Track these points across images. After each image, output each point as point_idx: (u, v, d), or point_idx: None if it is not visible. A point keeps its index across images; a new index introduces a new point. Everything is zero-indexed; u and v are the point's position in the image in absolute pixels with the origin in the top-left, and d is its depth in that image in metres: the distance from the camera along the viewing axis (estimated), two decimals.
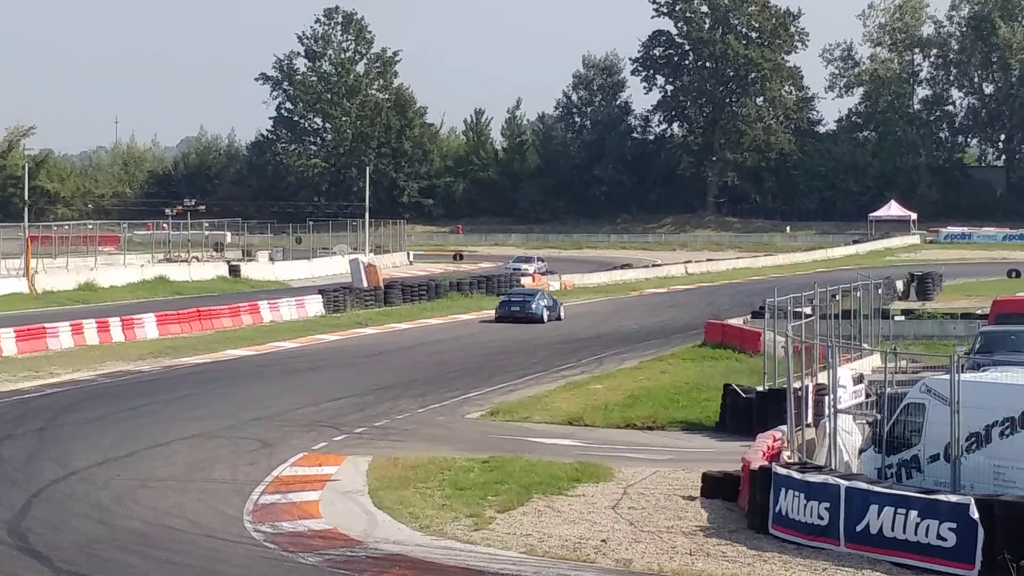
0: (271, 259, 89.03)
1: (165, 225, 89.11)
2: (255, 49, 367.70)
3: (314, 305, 58.81)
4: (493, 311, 57.86)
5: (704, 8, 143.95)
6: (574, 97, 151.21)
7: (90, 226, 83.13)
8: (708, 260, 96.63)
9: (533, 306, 56.47)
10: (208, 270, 79.07)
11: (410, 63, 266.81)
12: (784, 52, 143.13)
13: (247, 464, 25.47)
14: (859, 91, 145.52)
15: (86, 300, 62.34)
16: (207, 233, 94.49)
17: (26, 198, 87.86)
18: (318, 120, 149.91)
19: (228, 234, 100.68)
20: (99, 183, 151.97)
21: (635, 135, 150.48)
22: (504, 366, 41.53)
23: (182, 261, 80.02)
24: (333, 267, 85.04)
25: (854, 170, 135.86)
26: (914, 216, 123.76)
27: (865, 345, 36.60)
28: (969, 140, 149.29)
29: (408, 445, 27.54)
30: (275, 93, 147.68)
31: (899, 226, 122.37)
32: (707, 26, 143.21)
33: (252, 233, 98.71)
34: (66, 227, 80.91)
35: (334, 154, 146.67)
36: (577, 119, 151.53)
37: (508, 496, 22.39)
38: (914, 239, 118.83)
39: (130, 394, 34.76)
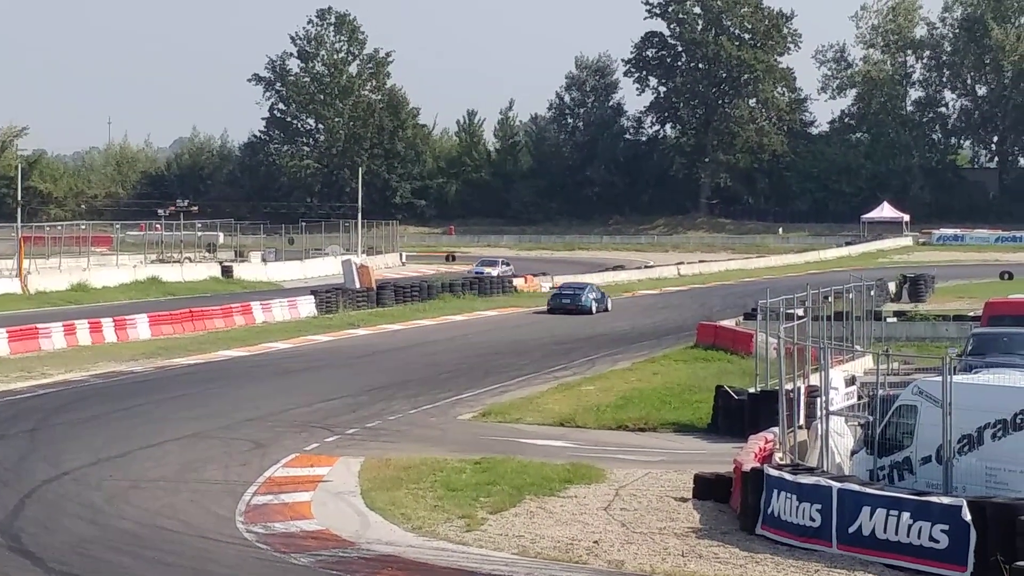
0: (264, 260, 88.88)
1: (158, 226, 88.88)
2: (248, 50, 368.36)
3: (306, 306, 58.78)
4: (483, 312, 58.88)
5: (697, 9, 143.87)
6: (567, 98, 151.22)
7: (83, 226, 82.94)
8: (700, 261, 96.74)
9: (583, 299, 60.87)
10: (201, 271, 78.90)
11: (403, 64, 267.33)
12: (777, 53, 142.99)
13: (239, 465, 25.45)
14: (852, 93, 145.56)
15: (79, 300, 62.18)
16: (200, 234, 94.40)
17: (19, 198, 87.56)
18: (311, 121, 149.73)
19: (221, 235, 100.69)
20: (92, 183, 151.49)
21: (628, 136, 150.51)
22: (497, 367, 41.47)
23: (175, 262, 79.83)
24: (326, 268, 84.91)
25: (847, 172, 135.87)
26: (907, 218, 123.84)
27: (857, 347, 36.59)
28: (962, 142, 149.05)
29: (400, 446, 27.53)
30: (268, 94, 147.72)
31: (892, 228, 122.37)
32: (700, 27, 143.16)
33: (245, 234, 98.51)
34: (59, 227, 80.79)
35: (327, 155, 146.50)
36: (570, 120, 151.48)
37: (500, 497, 22.40)
38: (907, 241, 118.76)
39: (122, 394, 34.68)
